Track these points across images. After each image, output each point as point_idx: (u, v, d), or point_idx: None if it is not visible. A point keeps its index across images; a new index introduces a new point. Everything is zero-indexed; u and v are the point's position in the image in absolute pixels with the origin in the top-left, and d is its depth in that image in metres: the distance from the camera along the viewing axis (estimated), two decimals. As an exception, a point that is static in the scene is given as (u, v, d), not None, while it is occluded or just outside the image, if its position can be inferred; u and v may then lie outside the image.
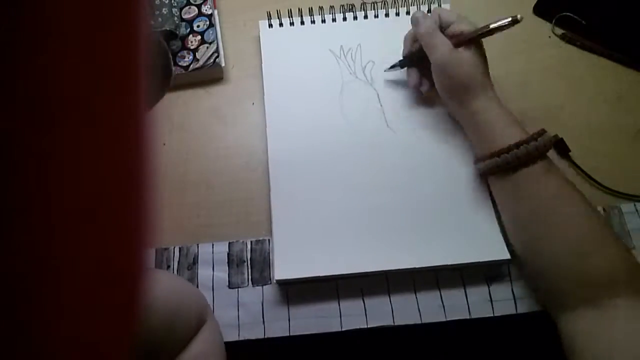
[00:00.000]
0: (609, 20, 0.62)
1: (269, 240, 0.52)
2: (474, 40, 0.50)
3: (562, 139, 0.56)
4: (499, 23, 0.49)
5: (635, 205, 0.54)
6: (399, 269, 0.49)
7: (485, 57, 0.51)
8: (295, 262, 0.49)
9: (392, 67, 0.57)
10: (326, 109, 0.57)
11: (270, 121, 0.56)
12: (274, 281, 0.50)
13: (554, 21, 0.62)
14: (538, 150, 0.45)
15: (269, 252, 0.52)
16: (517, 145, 0.45)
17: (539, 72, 0.60)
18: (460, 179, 0.53)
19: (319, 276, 0.49)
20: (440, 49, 0.50)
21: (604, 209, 0.54)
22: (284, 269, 0.49)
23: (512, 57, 0.61)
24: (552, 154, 0.56)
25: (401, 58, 0.57)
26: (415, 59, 0.55)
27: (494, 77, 0.60)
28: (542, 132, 0.47)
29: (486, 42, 0.62)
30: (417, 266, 0.49)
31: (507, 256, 0.48)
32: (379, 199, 0.52)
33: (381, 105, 0.58)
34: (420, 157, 0.54)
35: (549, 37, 0.62)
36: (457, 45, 0.50)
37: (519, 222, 0.48)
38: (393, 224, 0.51)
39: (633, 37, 0.61)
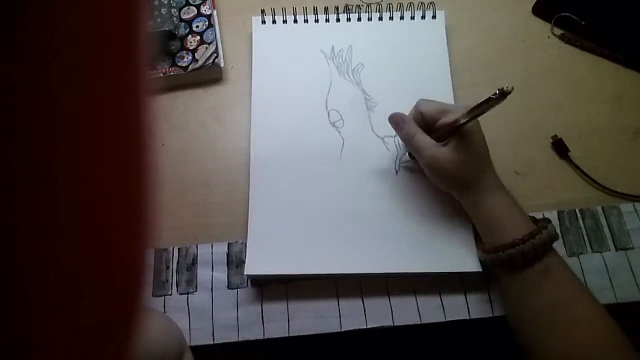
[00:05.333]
0: (608, 20, 0.62)
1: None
2: (459, 130, 0.46)
3: (561, 139, 0.56)
4: (486, 105, 0.41)
5: (634, 205, 0.54)
6: (371, 273, 0.50)
7: (480, 139, 0.47)
8: (267, 259, 0.49)
9: (405, 161, 0.54)
10: (312, 109, 0.57)
11: (255, 118, 0.56)
12: (246, 277, 0.50)
13: (553, 21, 0.62)
14: (536, 249, 0.43)
15: (268, 253, 0.52)
16: (518, 243, 0.43)
17: (538, 73, 0.60)
18: (439, 189, 0.53)
19: (289, 274, 0.50)
20: (425, 153, 0.47)
21: (602, 209, 0.54)
22: (254, 264, 0.49)
23: (511, 58, 0.61)
24: (551, 153, 0.56)
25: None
26: None
27: (493, 77, 0.60)
28: (545, 225, 0.44)
29: (487, 41, 0.62)
30: (388, 271, 0.50)
31: (479, 268, 0.49)
32: (357, 203, 0.52)
33: (368, 109, 0.57)
34: (402, 165, 0.54)
35: (548, 37, 0.62)
36: (443, 138, 0.47)
37: (518, 322, 0.46)
38: (370, 229, 0.51)
39: (632, 37, 0.61)
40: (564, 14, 0.62)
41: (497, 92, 0.39)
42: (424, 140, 0.48)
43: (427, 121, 0.49)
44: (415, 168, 0.53)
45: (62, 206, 0.12)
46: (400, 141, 0.55)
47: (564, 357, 0.42)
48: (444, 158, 0.46)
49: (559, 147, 0.56)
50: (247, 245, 0.50)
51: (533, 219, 0.47)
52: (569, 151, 0.55)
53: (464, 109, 0.44)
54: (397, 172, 0.54)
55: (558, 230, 0.51)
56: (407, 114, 0.51)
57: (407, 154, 0.54)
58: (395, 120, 0.50)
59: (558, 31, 0.62)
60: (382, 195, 0.53)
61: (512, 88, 0.39)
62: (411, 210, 0.52)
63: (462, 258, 0.50)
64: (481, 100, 0.42)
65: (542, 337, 0.43)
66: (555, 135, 0.56)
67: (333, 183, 0.53)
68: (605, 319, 0.42)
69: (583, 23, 0.61)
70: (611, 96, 0.59)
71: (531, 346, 0.44)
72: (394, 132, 0.56)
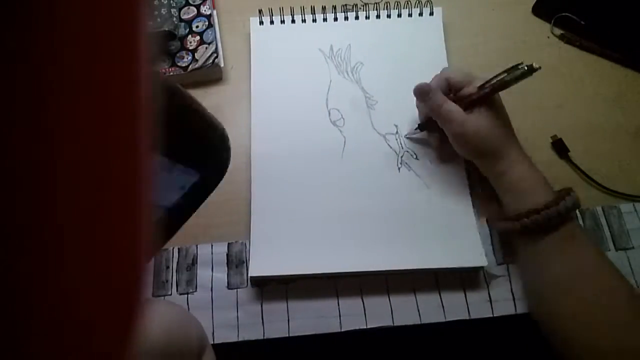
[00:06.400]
0: (607, 20, 0.62)
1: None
2: (486, 99, 0.48)
3: (561, 139, 0.56)
4: (513, 75, 0.45)
5: (634, 205, 0.54)
6: (374, 271, 0.50)
7: (504, 112, 0.49)
8: (271, 259, 0.49)
9: (413, 133, 0.55)
10: (312, 108, 0.57)
11: (255, 118, 0.56)
12: (249, 278, 0.50)
13: (553, 21, 0.62)
14: (561, 214, 0.44)
15: (268, 253, 0.52)
16: (543, 208, 0.44)
17: (537, 73, 0.60)
18: (443, 185, 0.53)
19: (293, 274, 0.49)
20: (454, 121, 0.47)
21: (602, 209, 0.54)
22: (258, 266, 0.49)
23: (511, 58, 0.61)
24: (551, 153, 0.56)
25: (419, 123, 0.54)
26: (432, 123, 0.52)
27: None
28: (569, 192, 0.45)
29: (486, 41, 0.62)
30: (392, 269, 0.50)
31: (485, 263, 0.49)
32: (359, 201, 0.52)
33: (368, 107, 0.57)
34: (404, 161, 0.54)
35: (548, 37, 0.62)
36: (469, 107, 0.48)
37: (537, 290, 0.47)
38: (373, 226, 0.51)
39: (632, 37, 0.61)
40: (564, 14, 0.62)
41: (526, 67, 0.43)
42: (453, 108, 0.48)
43: (452, 88, 0.50)
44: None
45: (62, 207, 0.12)
46: (401, 138, 0.55)
47: (590, 323, 0.42)
48: (473, 126, 0.47)
49: (559, 147, 0.56)
50: (251, 246, 0.50)
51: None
52: (569, 151, 0.55)
53: (487, 79, 0.46)
54: (399, 169, 0.54)
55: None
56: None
57: (417, 125, 0.54)
58: (422, 89, 0.49)
59: (558, 31, 0.62)
60: (384, 193, 0.53)
61: (540, 67, 0.42)
62: (414, 207, 0.52)
63: (465, 254, 0.50)
64: (507, 69, 0.44)
65: (566, 302, 0.43)
66: (555, 135, 0.56)
67: (335, 181, 0.53)
68: (628, 287, 0.43)
69: (583, 23, 0.61)
70: (611, 96, 0.59)
71: (555, 312, 0.44)
72: (395, 130, 0.56)
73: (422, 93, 0.50)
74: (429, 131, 0.54)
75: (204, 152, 0.26)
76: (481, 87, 0.48)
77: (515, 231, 0.46)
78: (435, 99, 0.49)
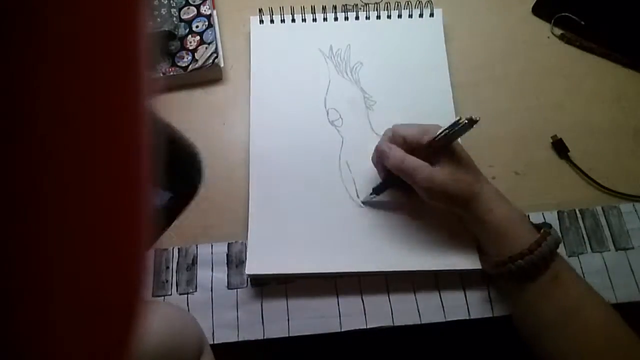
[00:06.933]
0: (607, 20, 0.62)
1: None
2: (448, 151, 0.47)
3: (561, 139, 0.56)
4: (453, 129, 0.44)
5: (634, 205, 0.54)
6: (372, 272, 0.50)
7: (466, 155, 0.48)
8: (268, 258, 0.49)
9: (369, 198, 0.52)
10: (311, 108, 0.57)
11: (254, 117, 0.56)
12: (246, 276, 0.50)
13: (552, 21, 0.62)
14: (545, 258, 0.43)
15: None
16: (527, 253, 0.43)
17: (537, 73, 0.60)
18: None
19: (290, 273, 0.50)
20: (420, 174, 0.46)
21: (602, 209, 0.54)
22: (255, 264, 0.49)
23: (511, 58, 0.61)
24: (551, 153, 0.56)
25: (373, 187, 0.52)
26: (393, 179, 0.50)
27: (493, 77, 0.60)
28: (549, 232, 0.44)
29: (486, 41, 0.62)
30: (389, 270, 0.50)
31: (479, 266, 0.49)
32: (357, 201, 0.52)
33: (367, 108, 0.57)
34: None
35: (548, 37, 0.62)
36: (431, 157, 0.47)
37: (532, 331, 0.46)
38: (370, 227, 0.51)
39: (632, 37, 0.61)
40: (564, 14, 0.62)
41: (466, 120, 0.43)
42: (415, 161, 0.46)
43: (409, 144, 0.48)
44: (381, 202, 0.52)
45: (62, 208, 0.12)
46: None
47: (586, 357, 0.42)
48: (439, 176, 0.45)
49: (559, 147, 0.56)
50: (248, 244, 0.50)
51: (532, 224, 0.47)
52: (569, 151, 0.55)
53: (439, 128, 0.46)
54: None
55: (558, 230, 0.51)
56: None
57: (372, 189, 0.51)
58: (381, 150, 0.48)
59: (558, 31, 0.62)
60: (382, 193, 0.52)
61: (479, 118, 0.43)
62: (411, 208, 0.52)
63: (462, 256, 0.50)
64: (450, 124, 0.44)
65: (557, 342, 0.43)
66: (555, 135, 0.56)
67: (333, 181, 0.53)
68: (617, 320, 0.43)
69: (583, 23, 0.61)
70: (611, 96, 0.59)
71: (549, 354, 0.44)
72: None
73: (381, 152, 0.48)
74: (390, 189, 0.52)
75: (178, 175, 0.26)
76: (430, 141, 0.47)
77: (502, 276, 0.46)
78: (394, 154, 0.47)
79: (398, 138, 0.48)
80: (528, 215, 0.50)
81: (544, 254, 0.43)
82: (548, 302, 0.44)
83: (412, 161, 0.46)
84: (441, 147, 0.46)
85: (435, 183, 0.45)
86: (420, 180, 0.46)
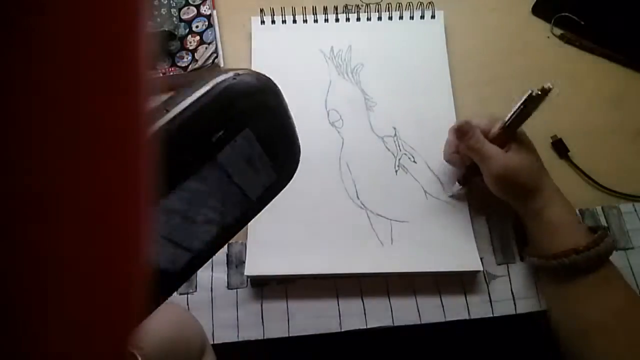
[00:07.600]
0: (607, 20, 0.62)
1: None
2: (516, 136, 0.48)
3: (561, 139, 0.56)
4: (529, 102, 0.45)
5: (634, 205, 0.54)
6: (372, 273, 0.50)
7: (533, 146, 0.49)
8: (267, 259, 0.49)
9: (457, 189, 0.52)
10: (312, 109, 0.57)
11: None
12: (246, 277, 0.50)
13: (552, 21, 0.62)
14: (600, 257, 0.43)
15: (268, 253, 0.52)
16: (583, 250, 0.43)
17: (537, 72, 0.60)
18: (440, 189, 0.53)
19: (289, 274, 0.50)
20: (497, 161, 0.46)
21: (602, 209, 0.54)
22: (254, 265, 0.49)
23: (511, 57, 0.61)
24: (551, 153, 0.56)
25: (458, 178, 0.52)
26: (471, 173, 0.51)
27: (494, 77, 0.60)
28: (604, 236, 0.44)
29: (486, 41, 0.62)
30: (388, 271, 0.50)
31: (480, 267, 0.49)
32: (356, 203, 0.52)
33: (367, 109, 0.57)
34: (403, 163, 0.54)
35: (548, 37, 0.62)
36: (503, 145, 0.47)
37: (568, 329, 0.46)
38: (369, 228, 0.51)
39: (632, 37, 0.61)
40: (564, 14, 0.62)
41: (539, 90, 0.43)
42: (493, 148, 0.47)
43: (483, 132, 0.49)
44: (464, 195, 0.52)
45: (61, 209, 0.12)
46: (400, 141, 0.55)
47: None
48: (514, 164, 0.46)
49: (559, 147, 0.56)
50: (247, 245, 0.50)
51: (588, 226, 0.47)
52: (569, 151, 0.55)
53: (505, 117, 0.47)
54: (396, 171, 0.54)
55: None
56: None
57: (457, 182, 0.52)
58: (465, 129, 0.48)
59: (558, 31, 0.62)
60: (381, 195, 0.53)
61: (552, 86, 0.43)
62: (410, 210, 0.52)
63: (462, 257, 0.50)
64: (522, 100, 0.44)
65: (598, 343, 0.43)
66: (555, 135, 0.56)
67: (332, 183, 0.53)
68: None
69: (583, 23, 0.61)
70: (611, 96, 0.59)
71: (587, 352, 0.44)
72: (393, 132, 0.56)
73: (464, 131, 0.48)
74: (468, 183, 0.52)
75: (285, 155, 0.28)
76: (504, 124, 0.47)
77: (550, 270, 0.46)
78: (477, 138, 0.47)
79: (470, 129, 0.48)
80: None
81: (600, 252, 0.43)
82: (597, 301, 0.44)
83: (491, 147, 0.47)
84: (513, 132, 0.47)
85: (510, 169, 0.46)
86: (497, 166, 0.47)
